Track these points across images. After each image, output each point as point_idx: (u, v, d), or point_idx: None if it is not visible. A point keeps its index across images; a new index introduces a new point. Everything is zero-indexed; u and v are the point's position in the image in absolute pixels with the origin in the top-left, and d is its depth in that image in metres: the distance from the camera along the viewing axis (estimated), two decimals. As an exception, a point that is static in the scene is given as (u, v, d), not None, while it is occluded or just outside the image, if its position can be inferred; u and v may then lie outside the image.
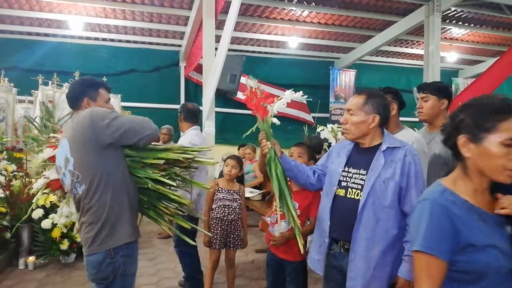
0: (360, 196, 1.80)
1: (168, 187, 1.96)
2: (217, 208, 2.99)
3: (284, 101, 1.98)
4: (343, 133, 2.00)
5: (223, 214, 2.96)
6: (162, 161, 1.85)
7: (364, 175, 1.83)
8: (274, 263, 2.60)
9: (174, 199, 1.94)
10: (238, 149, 7.20)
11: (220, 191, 3.01)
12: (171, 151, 1.91)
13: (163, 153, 1.89)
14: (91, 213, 1.79)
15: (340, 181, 1.90)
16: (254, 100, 1.95)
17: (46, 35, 8.15)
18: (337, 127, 3.60)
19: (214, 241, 2.98)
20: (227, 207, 2.98)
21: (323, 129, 3.04)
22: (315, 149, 4.09)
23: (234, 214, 3.00)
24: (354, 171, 1.88)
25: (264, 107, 1.95)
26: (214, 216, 2.98)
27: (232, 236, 3.01)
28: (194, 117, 3.63)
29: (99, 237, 1.77)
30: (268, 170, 1.96)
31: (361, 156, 1.90)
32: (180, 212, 2.02)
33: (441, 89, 2.47)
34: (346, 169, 1.91)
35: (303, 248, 1.93)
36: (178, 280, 3.64)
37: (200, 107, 6.66)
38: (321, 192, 2.18)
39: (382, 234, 1.76)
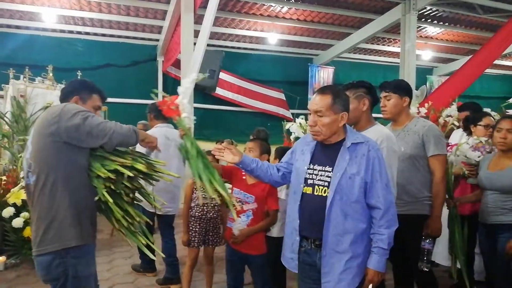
0: (327, 193, 1.82)
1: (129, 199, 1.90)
2: (195, 206, 2.95)
3: (181, 98, 2.13)
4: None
5: (202, 212, 2.94)
6: (104, 174, 1.78)
7: (329, 171, 1.84)
8: (236, 259, 2.60)
9: (119, 218, 1.84)
10: (216, 143, 7.12)
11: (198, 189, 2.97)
12: (115, 163, 1.82)
13: (112, 164, 1.81)
14: (38, 210, 1.76)
15: (306, 179, 1.89)
16: (167, 106, 2.11)
17: (18, 27, 7.87)
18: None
19: (193, 239, 2.96)
20: (206, 205, 2.96)
21: (292, 124, 3.04)
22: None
23: (213, 212, 2.98)
24: (319, 168, 1.88)
25: (175, 109, 2.10)
26: (193, 215, 2.95)
27: (211, 233, 2.99)
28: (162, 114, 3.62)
29: (47, 237, 1.74)
30: (188, 162, 2.03)
31: (325, 153, 1.91)
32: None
33: (402, 87, 2.49)
34: (311, 166, 1.90)
35: (235, 214, 2.15)
36: (156, 278, 3.60)
37: (178, 103, 6.59)
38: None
39: (351, 229, 1.80)
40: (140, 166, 1.85)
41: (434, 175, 2.42)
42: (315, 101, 1.86)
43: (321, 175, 1.86)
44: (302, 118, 3.66)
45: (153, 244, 1.96)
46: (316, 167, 1.89)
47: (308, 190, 1.88)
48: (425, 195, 2.44)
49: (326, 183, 1.83)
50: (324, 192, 1.83)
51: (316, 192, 1.85)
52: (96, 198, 1.79)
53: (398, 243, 1.94)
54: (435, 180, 2.41)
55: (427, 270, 2.49)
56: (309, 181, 1.88)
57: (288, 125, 3.12)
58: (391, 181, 2.06)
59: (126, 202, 1.86)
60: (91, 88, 2.03)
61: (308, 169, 1.90)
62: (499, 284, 2.47)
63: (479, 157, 2.82)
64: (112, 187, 1.80)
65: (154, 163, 1.98)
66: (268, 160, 2.69)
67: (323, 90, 1.89)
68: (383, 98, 2.51)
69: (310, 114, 1.88)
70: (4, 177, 4.20)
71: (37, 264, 1.79)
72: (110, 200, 1.77)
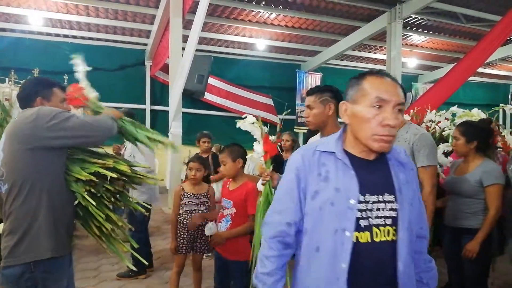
0: (393, 234, 1.17)
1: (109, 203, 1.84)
2: (183, 213, 2.92)
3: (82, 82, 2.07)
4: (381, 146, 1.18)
5: (190, 219, 2.91)
6: (85, 177, 1.70)
7: (392, 202, 1.18)
8: (221, 263, 2.58)
9: (100, 221, 1.75)
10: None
11: (186, 196, 2.94)
12: (95, 165, 1.74)
13: (93, 166, 1.75)
14: (11, 220, 1.65)
15: (357, 219, 1.15)
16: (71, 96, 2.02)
17: (3, 29, 7.77)
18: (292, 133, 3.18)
19: (181, 245, 2.93)
20: (194, 212, 2.93)
21: (244, 122, 2.67)
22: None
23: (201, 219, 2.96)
24: (374, 198, 1.17)
25: (79, 98, 2.01)
26: (181, 221, 2.93)
27: (199, 241, 2.97)
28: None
29: (19, 248, 1.62)
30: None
31: (373, 173, 1.21)
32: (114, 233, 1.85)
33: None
34: (362, 198, 1.16)
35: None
36: (146, 285, 3.57)
37: (167, 108, 6.58)
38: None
39: (414, 273, 1.26)
40: (123, 167, 1.78)
41: (423, 188, 2.16)
42: (397, 90, 1.18)
43: (379, 209, 1.17)
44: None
45: (135, 251, 1.88)
46: (368, 197, 1.17)
47: (363, 237, 1.15)
48: None
49: (390, 220, 1.17)
50: (388, 234, 1.16)
51: (377, 237, 1.15)
52: (76, 202, 1.70)
53: None
54: (424, 193, 2.16)
55: None
56: (363, 223, 1.15)
57: (239, 123, 2.68)
58: None
59: (107, 207, 1.78)
60: (49, 84, 1.90)
61: (360, 202, 1.16)
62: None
63: (450, 162, 2.85)
64: (93, 190, 1.72)
65: (136, 165, 1.93)
66: (243, 165, 2.60)
67: (387, 75, 1.22)
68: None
69: (376, 106, 1.15)
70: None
71: (3, 277, 1.65)
72: (93, 202, 1.69)
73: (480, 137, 2.43)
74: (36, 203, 1.64)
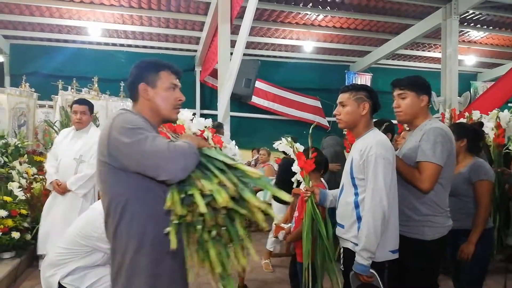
0: None
1: None
2: None
3: None
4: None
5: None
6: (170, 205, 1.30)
7: None
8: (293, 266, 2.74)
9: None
10: (252, 151, 7.22)
11: None
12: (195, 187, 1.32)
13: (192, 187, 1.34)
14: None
15: None
16: None
17: (66, 41, 8.36)
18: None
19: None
20: None
21: (280, 143, 2.69)
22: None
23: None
24: None
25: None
26: None
27: None
28: None
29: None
30: None
31: None
32: None
33: (419, 84, 2.07)
34: None
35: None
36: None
37: (216, 112, 6.73)
38: None
39: None
40: (222, 197, 1.23)
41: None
42: None
43: None
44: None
45: None
46: None
47: None
48: (423, 214, 1.96)
49: None
50: None
51: None
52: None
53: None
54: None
55: None
56: None
57: (276, 144, 2.74)
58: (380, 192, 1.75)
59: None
60: (155, 66, 1.59)
61: None
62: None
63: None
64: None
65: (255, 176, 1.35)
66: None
67: None
68: (396, 97, 2.09)
69: None
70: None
71: None
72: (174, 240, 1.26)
73: (469, 136, 2.47)
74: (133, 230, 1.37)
